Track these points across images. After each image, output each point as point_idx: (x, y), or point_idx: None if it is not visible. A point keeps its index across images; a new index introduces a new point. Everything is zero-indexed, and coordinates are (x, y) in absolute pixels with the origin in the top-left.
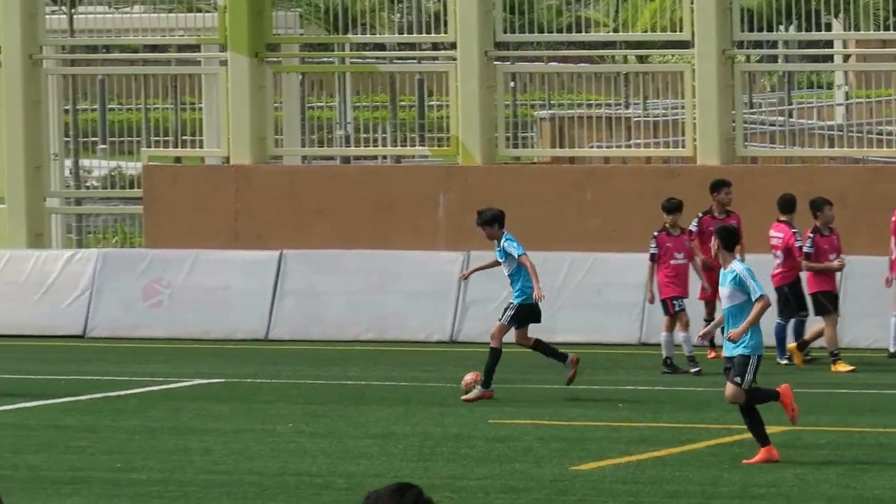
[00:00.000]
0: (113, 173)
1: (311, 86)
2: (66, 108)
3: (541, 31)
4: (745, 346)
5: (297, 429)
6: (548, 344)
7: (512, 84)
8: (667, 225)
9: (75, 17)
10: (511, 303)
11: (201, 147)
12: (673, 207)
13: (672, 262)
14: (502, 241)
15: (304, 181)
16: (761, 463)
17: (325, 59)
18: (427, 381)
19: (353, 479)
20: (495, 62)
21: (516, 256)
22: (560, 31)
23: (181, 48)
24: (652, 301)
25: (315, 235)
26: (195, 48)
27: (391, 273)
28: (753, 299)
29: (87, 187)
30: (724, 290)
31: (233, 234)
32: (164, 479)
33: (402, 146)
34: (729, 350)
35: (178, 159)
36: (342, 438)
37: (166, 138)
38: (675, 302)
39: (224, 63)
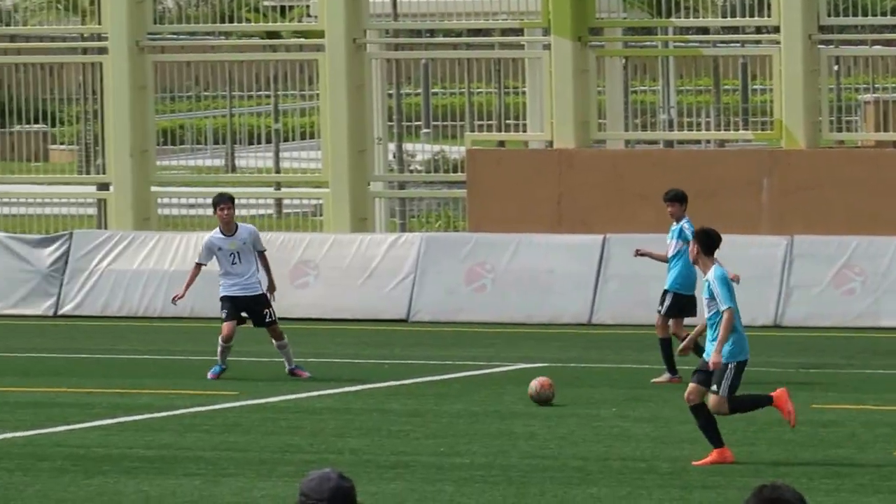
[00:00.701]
0: (436, 157)
1: (634, 69)
2: (390, 92)
3: (865, 13)
4: (723, 355)
5: (621, 413)
6: (671, 348)
7: (836, 67)
8: None
9: (399, 1)
10: (667, 290)
11: (524, 131)
12: None
13: None
14: (683, 221)
15: (627, 165)
16: (714, 464)
17: (649, 43)
18: (750, 365)
19: (677, 464)
20: (819, 45)
21: (690, 239)
22: (885, 13)
23: (504, 32)
24: None
25: (638, 220)
26: (518, 32)
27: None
28: (721, 309)
29: (411, 171)
30: (704, 298)
31: (556, 218)
32: (487, 464)
33: (725, 130)
34: (708, 355)
35: (501, 143)
36: (666, 423)
37: (489, 122)
38: None
39: (547, 47)
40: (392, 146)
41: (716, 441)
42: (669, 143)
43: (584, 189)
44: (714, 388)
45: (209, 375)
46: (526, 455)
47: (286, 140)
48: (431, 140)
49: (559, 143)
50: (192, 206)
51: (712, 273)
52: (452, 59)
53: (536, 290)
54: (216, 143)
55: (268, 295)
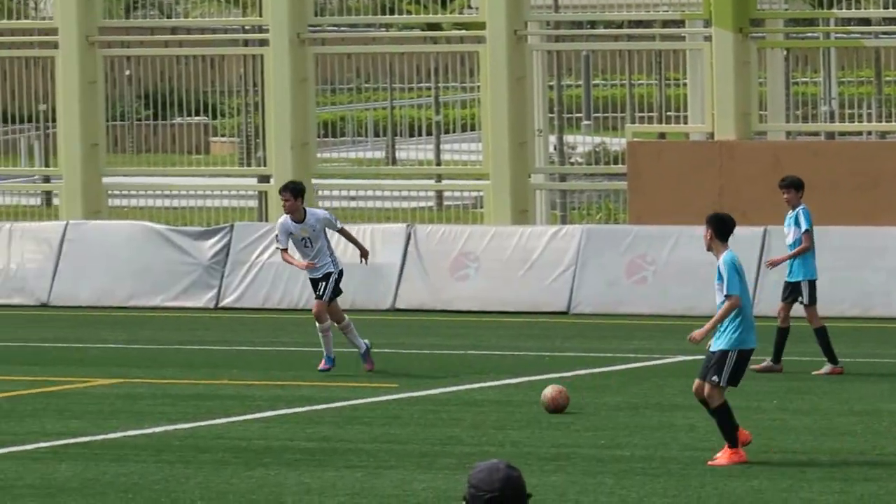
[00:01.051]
0: (597, 149)
1: (796, 61)
2: (551, 83)
3: None
4: (726, 342)
5: (781, 406)
6: (828, 336)
7: None
8: None
9: None
10: (799, 281)
11: (685, 123)
12: None
13: None
14: (799, 208)
15: (788, 157)
16: (730, 465)
17: (810, 35)
18: None
19: (837, 457)
20: None
21: (803, 229)
22: None
23: (665, 23)
24: None
25: None
26: (679, 23)
27: (875, 249)
28: (724, 293)
29: (572, 163)
30: (716, 283)
31: (717, 210)
32: (647, 456)
33: (887, 122)
34: (714, 345)
35: (662, 135)
36: (826, 415)
37: (650, 114)
38: None
39: (708, 38)
40: (553, 138)
41: (733, 441)
42: (830, 135)
43: (745, 181)
44: (714, 378)
45: (367, 367)
46: (686, 447)
47: (447, 132)
48: (592, 132)
49: (720, 135)
50: (352, 198)
51: (723, 258)
52: (613, 51)
53: (697, 283)
54: (377, 135)
55: (362, 260)
